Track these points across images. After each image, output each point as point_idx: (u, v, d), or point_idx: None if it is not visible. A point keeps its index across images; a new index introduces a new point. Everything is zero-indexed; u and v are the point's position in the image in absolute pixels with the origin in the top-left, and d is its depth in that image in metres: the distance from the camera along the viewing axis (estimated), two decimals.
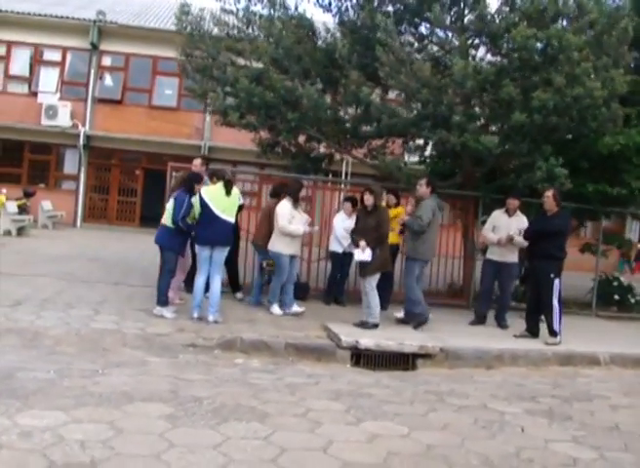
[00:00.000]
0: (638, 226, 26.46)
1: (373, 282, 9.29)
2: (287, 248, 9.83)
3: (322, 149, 12.98)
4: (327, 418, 5.44)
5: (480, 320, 10.50)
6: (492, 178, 12.11)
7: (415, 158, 13.64)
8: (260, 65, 11.64)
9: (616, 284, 14.05)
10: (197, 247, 9.23)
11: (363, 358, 8.37)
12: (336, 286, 11.32)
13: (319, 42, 11.44)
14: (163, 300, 9.23)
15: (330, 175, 21.43)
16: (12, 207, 19.61)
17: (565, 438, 5.52)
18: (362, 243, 9.19)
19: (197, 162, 10.59)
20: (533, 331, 9.88)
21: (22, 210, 21.86)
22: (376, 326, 9.21)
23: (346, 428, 5.24)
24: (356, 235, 9.45)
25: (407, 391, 6.75)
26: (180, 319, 9.00)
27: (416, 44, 11.01)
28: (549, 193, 9.77)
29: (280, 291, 10.04)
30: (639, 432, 5.89)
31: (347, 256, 10.86)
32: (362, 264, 9.35)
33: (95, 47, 24.55)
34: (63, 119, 24.17)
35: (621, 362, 9.24)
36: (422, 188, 9.84)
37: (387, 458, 4.62)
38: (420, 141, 12.46)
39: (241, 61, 11.99)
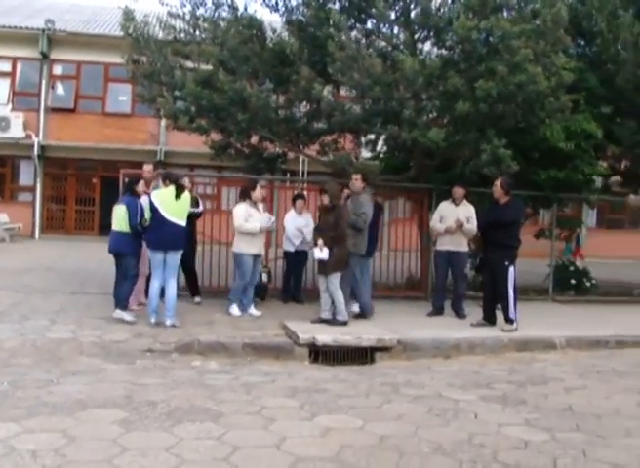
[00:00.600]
0: (595, 211, 26.86)
1: (335, 281, 9.28)
2: (248, 247, 9.78)
3: (275, 149, 12.93)
4: (281, 415, 5.44)
5: (438, 311, 10.57)
6: (444, 169, 12.21)
7: (368, 153, 13.69)
8: (209, 68, 11.61)
9: (572, 268, 14.28)
10: (150, 251, 9.16)
11: (321, 354, 8.38)
12: (292, 284, 11.36)
13: (267, 41, 11.37)
14: (123, 305, 9.25)
15: (287, 175, 21.57)
16: None
17: (518, 421, 5.59)
18: (320, 241, 9.24)
19: (148, 167, 10.59)
20: (490, 320, 9.99)
21: None
22: (344, 323, 9.26)
23: (300, 423, 5.25)
24: (315, 234, 9.53)
25: (363, 384, 6.77)
26: (138, 324, 8.95)
27: (363, 40, 11.01)
28: (497, 182, 9.89)
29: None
30: (591, 412, 5.97)
31: (300, 254, 10.98)
32: (321, 262, 9.38)
33: (45, 56, 24.28)
34: (16, 130, 23.88)
35: (577, 345, 9.38)
36: (358, 183, 9.86)
37: (340, 451, 4.64)
38: (372, 136, 12.50)
39: (189, 65, 11.90)
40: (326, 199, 9.51)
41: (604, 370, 7.94)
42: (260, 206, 10.03)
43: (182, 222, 9.11)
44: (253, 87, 10.72)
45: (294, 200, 11.34)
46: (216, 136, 12.47)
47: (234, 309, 9.91)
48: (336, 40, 9.88)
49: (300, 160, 20.93)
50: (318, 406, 5.76)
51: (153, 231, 9.00)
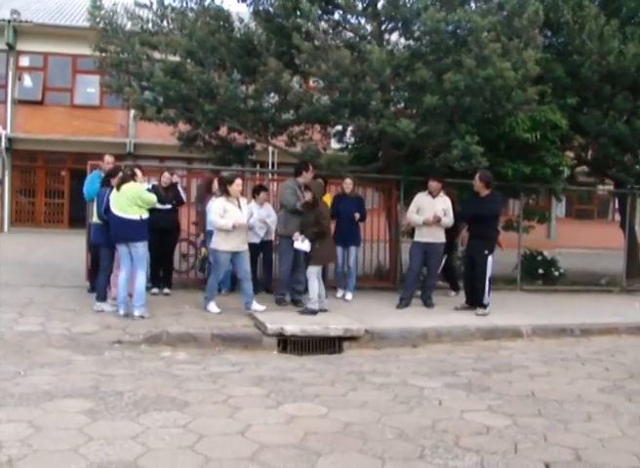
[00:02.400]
0: (564, 202, 27.16)
1: (313, 271, 9.48)
2: (224, 243, 9.42)
3: (243, 140, 12.93)
4: (247, 403, 5.50)
5: (407, 303, 10.64)
6: (412, 160, 12.31)
7: (337, 145, 13.74)
8: (176, 59, 11.61)
9: (540, 258, 14.44)
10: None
11: (290, 344, 8.45)
12: (263, 274, 11.37)
13: (234, 32, 11.36)
14: (102, 296, 9.42)
15: (257, 166, 21.58)
16: None
17: (481, 408, 5.69)
18: (296, 234, 9.56)
19: (109, 159, 10.62)
20: (472, 303, 10.53)
21: None
22: (313, 312, 9.36)
23: (266, 411, 5.31)
24: (299, 228, 9.66)
25: (329, 373, 6.85)
26: (106, 316, 8.95)
27: (330, 31, 11.05)
28: (477, 176, 10.38)
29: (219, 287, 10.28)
30: (553, 398, 6.10)
31: (267, 245, 11.07)
32: (305, 254, 9.75)
33: (11, 47, 24.00)
34: None
35: (543, 333, 9.55)
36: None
37: (305, 438, 4.71)
38: (340, 127, 12.55)
39: (157, 55, 11.86)
40: (308, 195, 9.55)
41: (568, 358, 8.09)
42: (243, 201, 9.69)
43: (127, 215, 8.96)
44: (221, 78, 10.70)
45: (255, 191, 11.15)
46: (184, 127, 12.44)
47: (212, 306, 9.58)
48: (303, 31, 9.90)
49: (270, 151, 20.96)
50: (284, 394, 5.83)
51: (110, 224, 9.18)
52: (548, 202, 24.84)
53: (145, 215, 9.14)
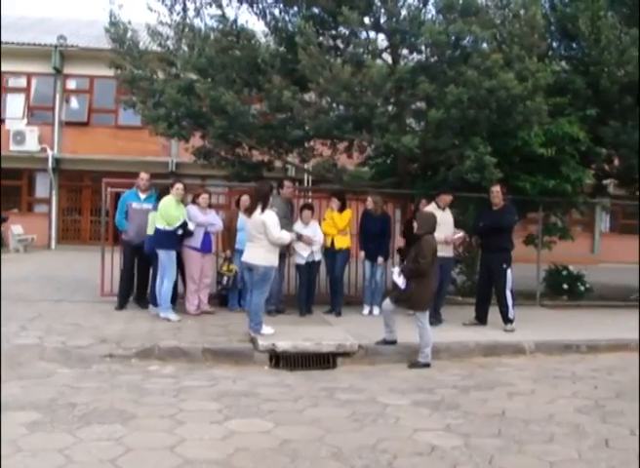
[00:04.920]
0: (608, 216, 26.45)
1: (422, 318, 8.30)
2: (275, 259, 8.90)
3: (259, 156, 12.90)
4: (194, 418, 5.38)
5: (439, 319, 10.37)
6: (427, 175, 12.06)
7: (357, 160, 13.59)
8: (193, 76, 11.67)
9: (565, 273, 13.99)
10: None
11: (283, 360, 8.26)
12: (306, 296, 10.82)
13: (242, 50, 11.31)
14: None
15: (296, 184, 21.50)
16: None
17: (437, 427, 5.45)
18: (396, 268, 8.71)
19: (145, 175, 10.96)
20: (482, 320, 10.28)
21: None
22: (426, 365, 8.18)
23: (208, 427, 5.18)
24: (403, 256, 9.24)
25: (301, 388, 6.69)
26: (104, 330, 8.94)
27: (332, 43, 10.93)
28: (497, 188, 10.19)
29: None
30: (523, 417, 5.81)
31: (313, 266, 10.61)
32: (396, 286, 8.58)
33: (58, 71, 24.62)
34: (32, 144, 24.25)
35: (547, 349, 9.15)
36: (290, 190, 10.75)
37: (233, 454, 4.56)
38: (346, 143, 12.40)
39: (174, 72, 11.96)
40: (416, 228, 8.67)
41: (562, 375, 7.73)
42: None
43: (158, 224, 9.76)
44: (230, 94, 10.65)
45: (301, 211, 10.68)
46: (198, 142, 12.48)
47: (266, 329, 8.79)
48: (303, 46, 9.80)
49: (289, 168, 20.91)
50: (238, 409, 5.69)
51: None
52: (591, 217, 24.17)
53: (169, 228, 9.73)
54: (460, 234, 10.53)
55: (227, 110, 10.71)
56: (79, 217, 25.65)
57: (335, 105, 10.58)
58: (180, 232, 9.92)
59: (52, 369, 7.33)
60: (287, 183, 10.57)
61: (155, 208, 10.10)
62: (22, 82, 25.19)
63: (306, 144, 12.50)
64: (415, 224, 8.83)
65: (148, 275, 10.84)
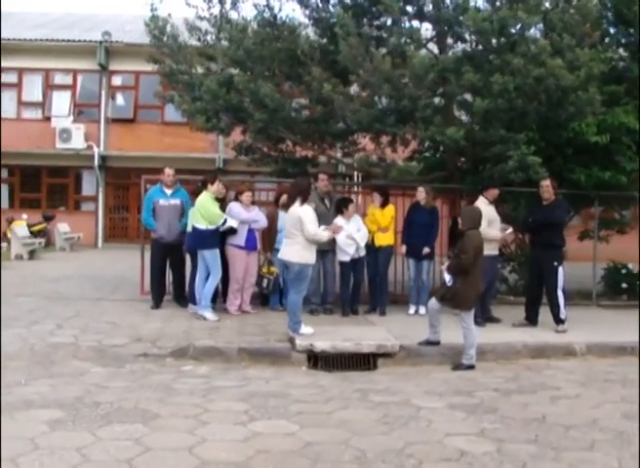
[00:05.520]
0: None
1: (466, 318, 8.18)
2: (312, 256, 8.84)
3: (302, 152, 12.91)
4: (218, 419, 5.41)
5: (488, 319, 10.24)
6: (476, 170, 11.90)
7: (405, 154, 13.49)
8: (233, 71, 11.74)
9: (624, 271, 13.64)
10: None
11: (322, 360, 8.23)
12: (351, 296, 10.76)
13: (281, 41, 11.32)
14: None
15: (347, 180, 21.54)
16: (22, 231, 20.02)
17: (470, 431, 5.35)
18: (443, 266, 8.68)
19: (170, 171, 10.93)
20: (532, 320, 10.07)
21: (43, 234, 22.42)
22: (470, 367, 8.09)
23: (231, 428, 5.19)
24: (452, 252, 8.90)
25: (335, 390, 6.65)
26: (141, 329, 9.05)
27: (375, 33, 10.85)
28: (547, 182, 9.98)
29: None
30: (564, 422, 5.67)
31: (359, 262, 10.53)
32: (444, 284, 8.49)
33: (103, 67, 25.18)
34: (78, 141, 24.80)
35: (599, 351, 8.92)
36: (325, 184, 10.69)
37: (253, 457, 4.56)
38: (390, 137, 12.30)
39: (214, 67, 12.06)
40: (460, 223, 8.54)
41: (612, 379, 7.52)
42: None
43: (196, 223, 9.87)
44: (269, 87, 10.66)
45: (342, 205, 10.55)
46: (238, 137, 12.56)
47: (305, 328, 8.78)
48: (343, 37, 9.76)
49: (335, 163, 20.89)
50: (265, 410, 5.69)
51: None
52: None
53: (211, 227, 9.80)
54: (510, 230, 10.39)
55: (267, 103, 10.73)
56: (126, 215, 26.08)
57: (377, 98, 10.48)
58: (221, 229, 9.96)
59: (85, 367, 7.45)
60: (322, 176, 10.56)
61: (183, 203, 10.26)
62: (68, 79, 25.80)
63: (350, 138, 12.43)
64: (459, 220, 8.73)
65: (184, 273, 10.94)
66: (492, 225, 10.09)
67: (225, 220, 9.88)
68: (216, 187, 10.05)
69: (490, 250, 10.01)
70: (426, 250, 10.65)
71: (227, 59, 11.06)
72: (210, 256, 9.86)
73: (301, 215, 8.62)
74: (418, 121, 10.13)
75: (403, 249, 10.89)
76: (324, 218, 9.94)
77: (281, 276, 10.44)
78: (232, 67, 11.48)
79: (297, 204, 8.70)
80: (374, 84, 9.89)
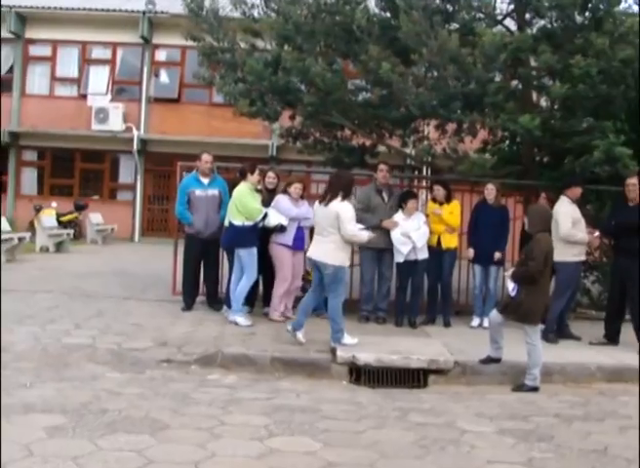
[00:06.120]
0: None
1: (531, 333, 8.14)
2: (347, 258, 9.05)
3: (360, 140, 13.00)
4: (233, 433, 5.54)
5: (564, 335, 10.19)
6: (556, 165, 11.79)
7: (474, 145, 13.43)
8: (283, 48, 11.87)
9: None
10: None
11: (366, 374, 8.29)
12: (407, 303, 10.75)
13: (336, 15, 11.38)
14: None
15: (415, 172, 21.52)
16: (50, 221, 20.54)
17: (516, 460, 5.37)
18: (507, 273, 8.64)
19: (207, 157, 11.02)
20: (613, 339, 9.89)
21: (74, 225, 22.98)
22: (533, 389, 8.07)
23: (246, 443, 5.32)
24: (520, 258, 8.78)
25: (372, 407, 6.74)
26: (167, 332, 9.25)
27: (442, 6, 10.82)
28: (633, 180, 9.81)
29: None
30: (627, 456, 5.62)
31: (416, 265, 10.44)
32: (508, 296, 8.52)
33: (146, 41, 25.58)
34: (115, 123, 25.19)
35: None
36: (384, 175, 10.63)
37: None
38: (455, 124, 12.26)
39: (260, 44, 12.21)
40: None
41: None
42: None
43: (232, 219, 10.00)
44: (320, 65, 10.71)
45: (402, 200, 10.55)
46: (287, 122, 12.71)
47: (348, 339, 8.83)
48: (404, 10, 9.80)
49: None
50: (288, 426, 5.81)
51: None
52: None
53: (249, 223, 9.90)
54: (597, 233, 10.28)
55: (318, 85, 10.81)
56: (167, 206, 26.16)
57: (441, 81, 10.47)
58: (260, 225, 10.04)
59: (100, 372, 7.68)
60: (381, 167, 10.55)
61: (222, 194, 10.42)
62: (107, 53, 26.33)
63: (412, 126, 12.46)
64: (526, 221, 8.69)
65: (219, 272, 11.10)
66: (576, 227, 10.00)
67: (265, 215, 9.95)
68: (256, 177, 10.11)
69: (574, 255, 9.98)
70: (497, 255, 10.62)
71: (274, 35, 11.17)
72: (245, 256, 9.95)
73: (340, 212, 8.66)
74: (487, 107, 10.09)
75: (471, 253, 10.82)
76: (379, 212, 10.06)
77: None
78: (280, 44, 11.56)
79: (337, 199, 8.74)
80: (438, 64, 9.89)
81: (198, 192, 10.76)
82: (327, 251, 8.75)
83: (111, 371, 7.73)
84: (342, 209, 8.68)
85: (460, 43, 9.69)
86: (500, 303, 9.15)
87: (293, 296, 10.69)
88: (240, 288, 10.01)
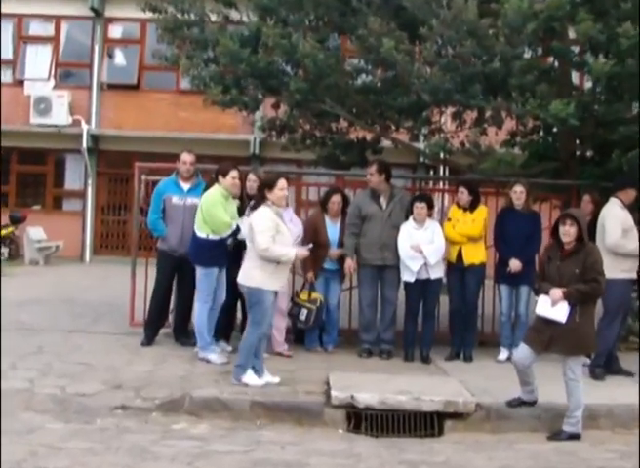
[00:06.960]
0: None
1: (575, 367, 8.22)
2: (271, 279, 8.93)
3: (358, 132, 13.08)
4: None
5: (612, 370, 10.24)
6: (601, 160, 11.88)
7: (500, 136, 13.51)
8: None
9: None
10: None
11: (367, 420, 8.33)
12: (418, 333, 10.82)
13: None
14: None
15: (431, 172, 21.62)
16: None
17: None
18: (556, 292, 8.17)
19: (188, 158, 10.95)
20: None
21: (9, 241, 22.97)
22: (574, 436, 8.11)
23: None
24: (545, 283, 8.45)
25: (373, 461, 6.81)
26: (123, 372, 9.29)
27: None
28: None
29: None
30: None
31: (429, 285, 10.53)
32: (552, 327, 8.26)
33: (97, 13, 25.36)
34: (60, 115, 24.86)
35: None
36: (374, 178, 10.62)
37: None
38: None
39: (233, 16, 12.30)
40: (568, 234, 8.31)
41: None
42: (286, 211, 9.68)
43: (196, 229, 10.04)
44: (310, 43, 10.77)
45: (411, 204, 10.55)
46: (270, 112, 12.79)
47: (250, 377, 9.01)
48: None
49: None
50: None
51: None
52: None
53: (214, 237, 9.88)
54: None
55: (307, 66, 10.84)
56: (125, 217, 25.98)
57: (457, 59, 10.54)
58: (229, 242, 10.00)
59: (39, 422, 7.74)
60: (371, 170, 10.63)
61: None
62: (49, 29, 26.11)
63: (422, 115, 12.53)
64: (572, 228, 8.66)
65: (193, 299, 10.94)
66: (627, 236, 10.03)
67: (238, 229, 9.89)
68: (230, 181, 9.99)
69: (624, 270, 9.98)
70: (516, 263, 10.48)
71: (253, 5, 11.23)
72: (202, 276, 10.00)
73: (252, 221, 8.86)
74: (514, 90, 10.16)
75: (516, 264, 10.57)
76: (375, 221, 10.17)
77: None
78: (260, 17, 11.63)
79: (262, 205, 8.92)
80: (453, 39, 9.96)
81: (175, 199, 10.72)
82: (243, 269, 9.02)
83: (53, 422, 7.80)
84: (256, 217, 8.85)
85: (478, 11, 9.79)
86: (527, 335, 8.88)
87: (283, 327, 10.75)
88: (199, 319, 10.04)
